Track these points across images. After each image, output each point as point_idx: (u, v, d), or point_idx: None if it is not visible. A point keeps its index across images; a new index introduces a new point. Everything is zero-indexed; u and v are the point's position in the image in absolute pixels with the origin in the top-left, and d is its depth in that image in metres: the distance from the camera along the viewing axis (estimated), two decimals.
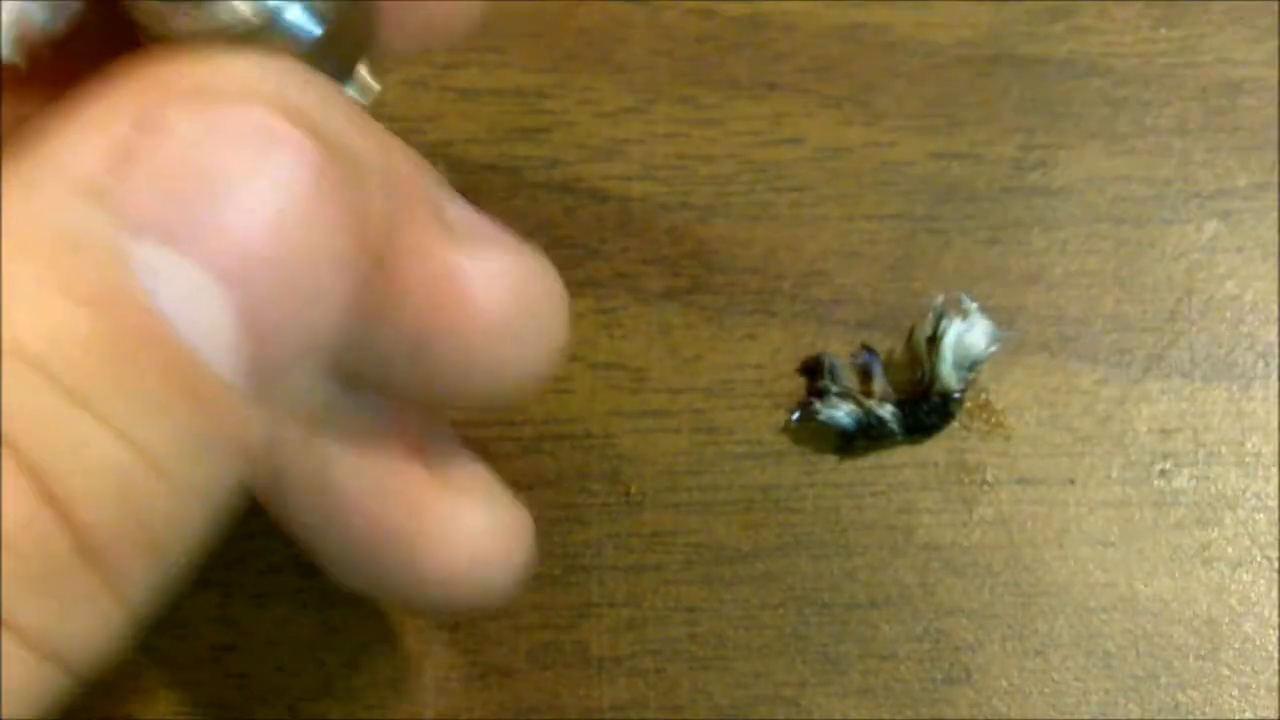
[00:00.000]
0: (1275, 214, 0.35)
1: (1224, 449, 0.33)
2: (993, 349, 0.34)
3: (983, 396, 0.34)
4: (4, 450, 0.15)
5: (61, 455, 0.16)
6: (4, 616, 0.15)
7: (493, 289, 0.22)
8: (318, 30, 0.19)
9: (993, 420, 0.34)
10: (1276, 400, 0.34)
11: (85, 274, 0.16)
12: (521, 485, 0.33)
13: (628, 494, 0.34)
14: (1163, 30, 0.37)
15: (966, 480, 0.34)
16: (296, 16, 0.19)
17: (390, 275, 0.20)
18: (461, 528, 0.24)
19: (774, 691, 0.32)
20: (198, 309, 0.16)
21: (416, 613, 0.32)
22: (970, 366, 0.34)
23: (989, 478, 0.33)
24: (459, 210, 0.22)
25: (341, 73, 0.20)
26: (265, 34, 0.18)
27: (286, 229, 0.17)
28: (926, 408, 0.34)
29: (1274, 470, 0.33)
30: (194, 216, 0.16)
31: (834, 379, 0.34)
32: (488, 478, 0.26)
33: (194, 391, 0.17)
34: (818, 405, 0.33)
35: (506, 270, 0.22)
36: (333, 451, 0.23)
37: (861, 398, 0.34)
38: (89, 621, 0.16)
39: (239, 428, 0.17)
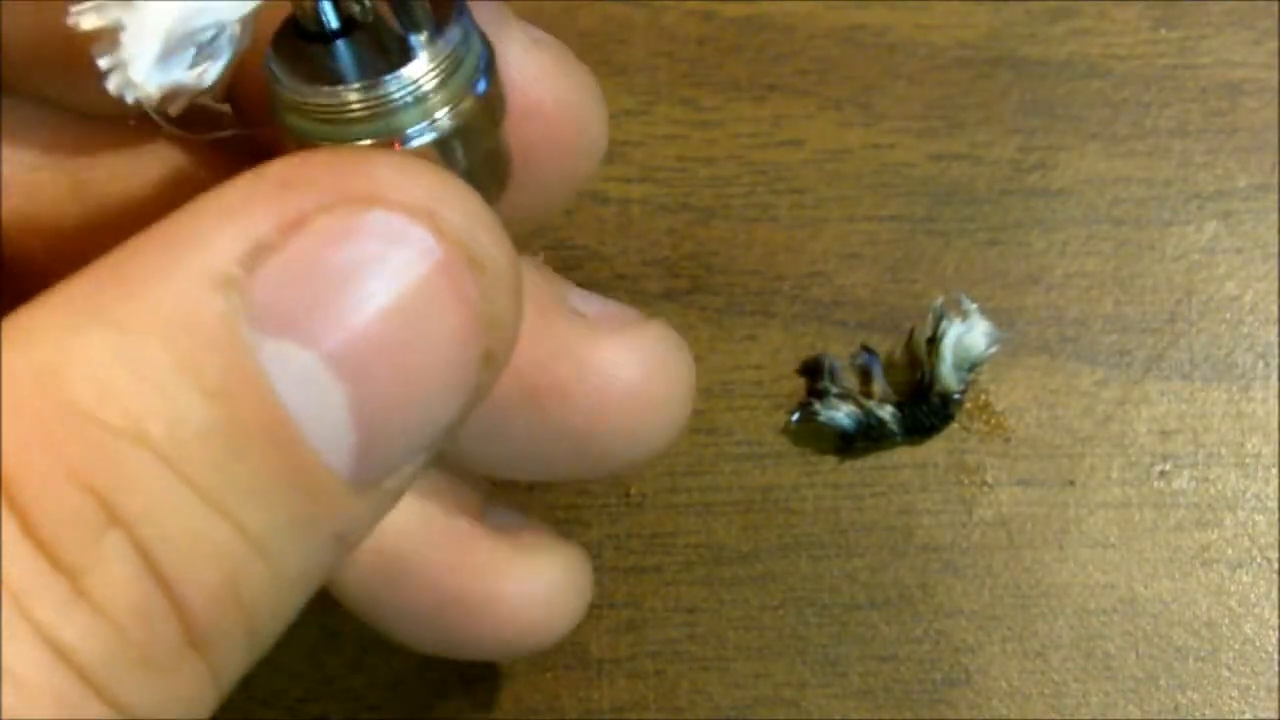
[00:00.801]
0: (1275, 215, 0.35)
1: (1224, 450, 0.34)
2: (992, 350, 0.34)
3: (982, 398, 0.34)
4: (120, 533, 0.15)
5: (176, 541, 0.16)
6: (112, 697, 0.16)
7: (638, 367, 0.23)
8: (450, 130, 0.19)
9: (992, 421, 0.34)
10: (1276, 401, 0.34)
11: (212, 364, 0.16)
12: (522, 485, 0.33)
13: (627, 495, 0.34)
14: (1162, 32, 0.37)
15: (966, 481, 0.34)
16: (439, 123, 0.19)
17: (539, 373, 0.22)
18: (537, 587, 0.26)
19: (774, 692, 0.32)
20: (313, 400, 0.17)
21: (480, 660, 0.31)
22: (970, 368, 0.34)
23: (989, 479, 0.33)
24: (583, 299, 0.24)
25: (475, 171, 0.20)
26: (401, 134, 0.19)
27: (403, 321, 0.17)
28: (926, 409, 0.34)
29: (1274, 471, 0.33)
30: (316, 307, 0.17)
31: (834, 380, 0.34)
32: (545, 531, 0.27)
33: (304, 481, 0.17)
34: (817, 406, 0.34)
35: (647, 346, 0.24)
36: (406, 523, 0.24)
37: (861, 399, 0.34)
38: (187, 701, 0.17)
39: (343, 518, 0.18)
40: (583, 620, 0.31)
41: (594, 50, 0.36)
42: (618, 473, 0.26)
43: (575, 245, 0.35)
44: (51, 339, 0.16)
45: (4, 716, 0.15)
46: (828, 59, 0.36)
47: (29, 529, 0.15)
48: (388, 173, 0.17)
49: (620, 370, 0.23)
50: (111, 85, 0.18)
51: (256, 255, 0.16)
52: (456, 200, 0.18)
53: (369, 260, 0.17)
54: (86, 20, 0.18)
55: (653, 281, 0.35)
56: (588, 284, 0.35)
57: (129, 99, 0.18)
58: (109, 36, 0.18)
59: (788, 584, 0.33)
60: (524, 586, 0.25)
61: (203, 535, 0.16)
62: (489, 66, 0.20)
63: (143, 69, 0.18)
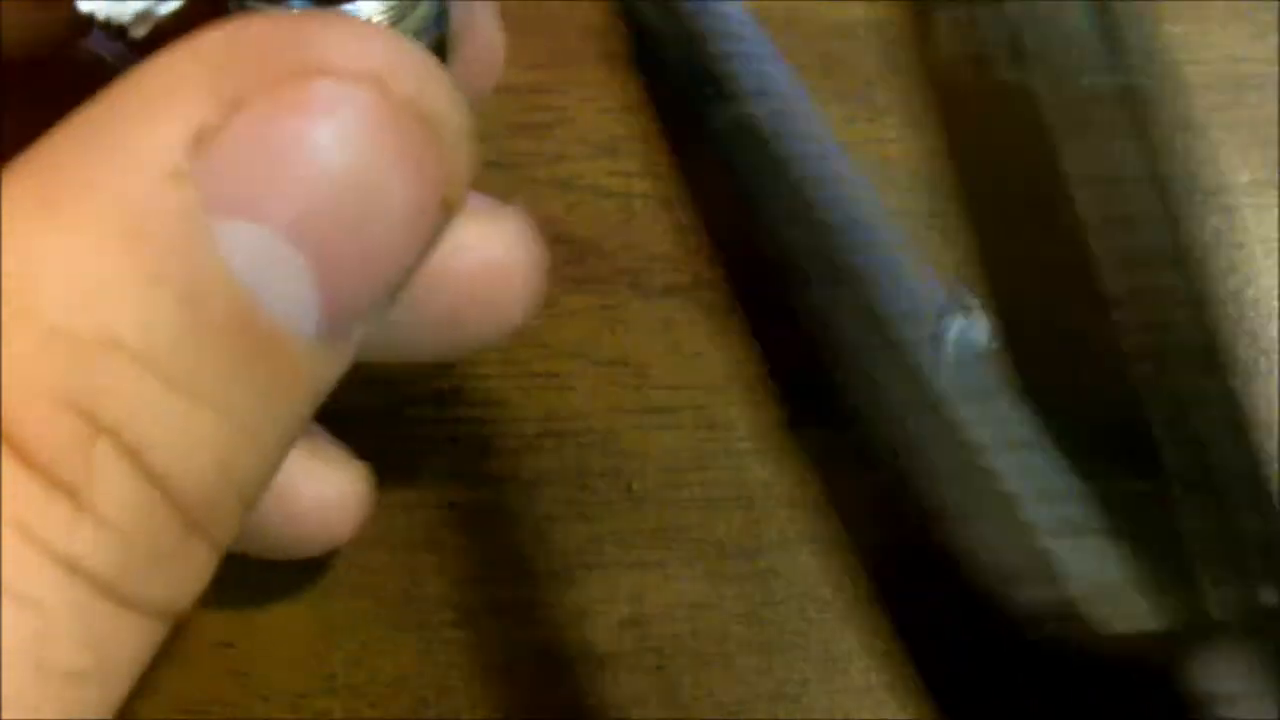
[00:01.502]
0: (1277, 210, 0.35)
1: None
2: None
3: None
4: (108, 441, 0.16)
5: (164, 438, 0.16)
6: (127, 598, 0.16)
7: (499, 244, 0.26)
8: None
9: None
10: (1278, 397, 0.34)
11: (174, 261, 0.16)
12: (522, 481, 0.33)
13: (629, 490, 0.34)
14: (1165, 26, 0.36)
15: None
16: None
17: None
18: (326, 491, 0.29)
19: (776, 689, 0.32)
20: (276, 275, 0.17)
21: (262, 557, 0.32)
22: None
23: None
24: None
25: None
26: None
27: (356, 185, 0.17)
28: None
29: (1276, 468, 0.33)
30: (267, 184, 0.17)
31: None
32: (337, 445, 0.30)
33: (276, 355, 0.17)
34: None
35: (505, 227, 0.26)
36: None
37: None
38: (193, 579, 0.17)
39: (314, 379, 0.18)
40: (586, 617, 0.31)
41: (596, 44, 0.36)
42: (477, 349, 0.29)
43: (576, 240, 0.35)
44: (12, 253, 0.16)
45: (32, 642, 0.15)
46: (830, 54, 0.36)
47: (22, 455, 0.15)
48: (330, 39, 0.17)
49: (484, 247, 0.25)
50: (83, 4, 0.18)
51: (202, 139, 0.16)
52: (404, 61, 0.18)
53: (317, 130, 0.17)
54: None
55: (655, 276, 0.35)
56: (589, 278, 0.35)
57: (100, 16, 0.18)
58: None
59: (790, 580, 0.33)
60: (315, 489, 0.28)
61: (188, 428, 0.16)
62: (442, 15, 0.20)
63: None
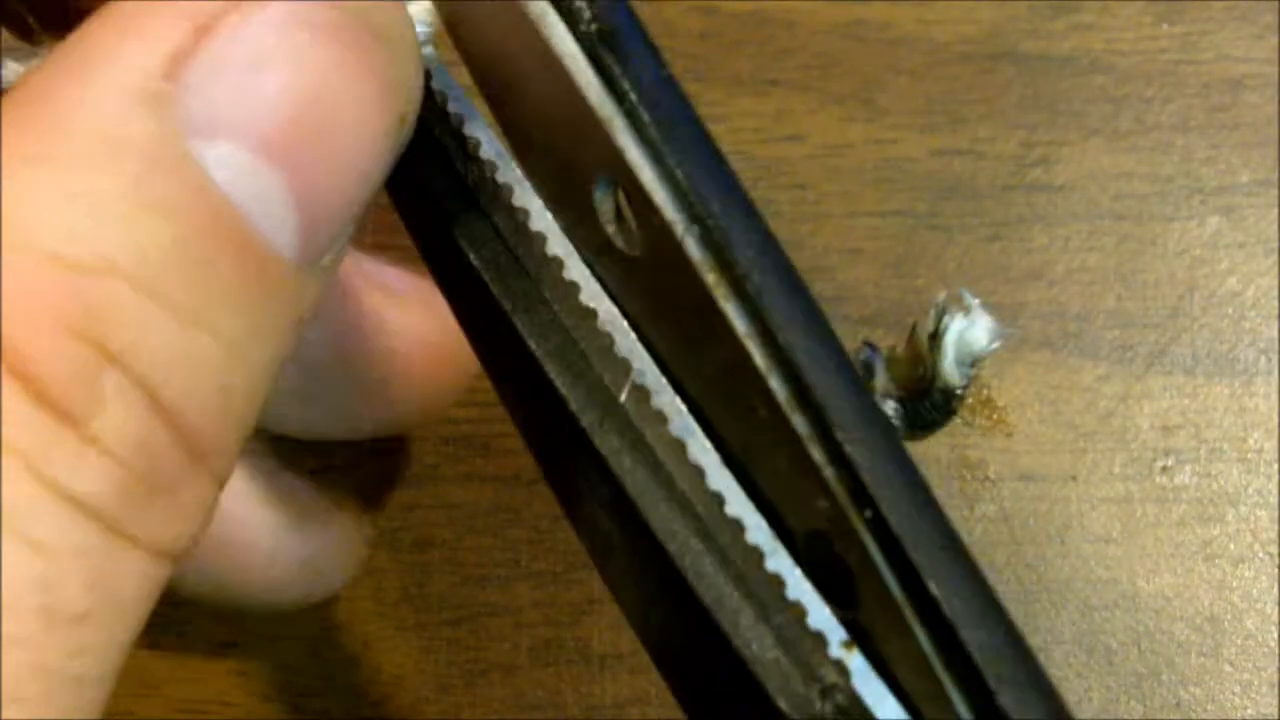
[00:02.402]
0: (1277, 210, 0.35)
1: (1226, 445, 0.33)
2: (995, 346, 0.34)
3: (985, 393, 0.34)
4: (118, 370, 0.16)
5: (167, 364, 0.16)
6: (128, 533, 0.16)
7: (437, 329, 0.26)
8: None
9: (995, 417, 0.34)
10: (1278, 396, 0.34)
11: (160, 183, 0.16)
12: (523, 481, 0.33)
13: None
14: (1164, 27, 0.37)
15: (968, 476, 0.34)
16: None
17: (352, 338, 0.25)
18: (307, 550, 0.28)
19: None
20: (256, 192, 0.17)
21: (247, 613, 0.32)
22: (972, 363, 0.33)
23: (991, 474, 0.33)
24: (394, 275, 0.27)
25: None
26: None
27: (320, 98, 0.17)
28: (928, 404, 0.34)
29: (1276, 467, 0.33)
30: (239, 103, 0.17)
31: None
32: (327, 503, 0.29)
33: (264, 274, 0.17)
34: None
35: (443, 313, 0.26)
36: None
37: None
38: (196, 515, 0.17)
39: (299, 301, 0.18)
40: (585, 616, 0.31)
41: None
42: (412, 426, 0.30)
43: None
44: (4, 186, 0.16)
45: (36, 585, 0.15)
46: (830, 54, 0.36)
47: (29, 387, 0.15)
48: None
49: (421, 331, 0.26)
50: None
51: (175, 63, 0.17)
52: None
53: (280, 47, 0.17)
54: None
55: None
56: None
57: None
58: None
59: None
60: (294, 548, 0.27)
61: (189, 352, 0.16)
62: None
63: None
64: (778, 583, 0.17)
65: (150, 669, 0.32)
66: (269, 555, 0.27)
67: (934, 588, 0.16)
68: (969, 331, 0.34)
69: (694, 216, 0.17)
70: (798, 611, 0.17)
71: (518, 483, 0.34)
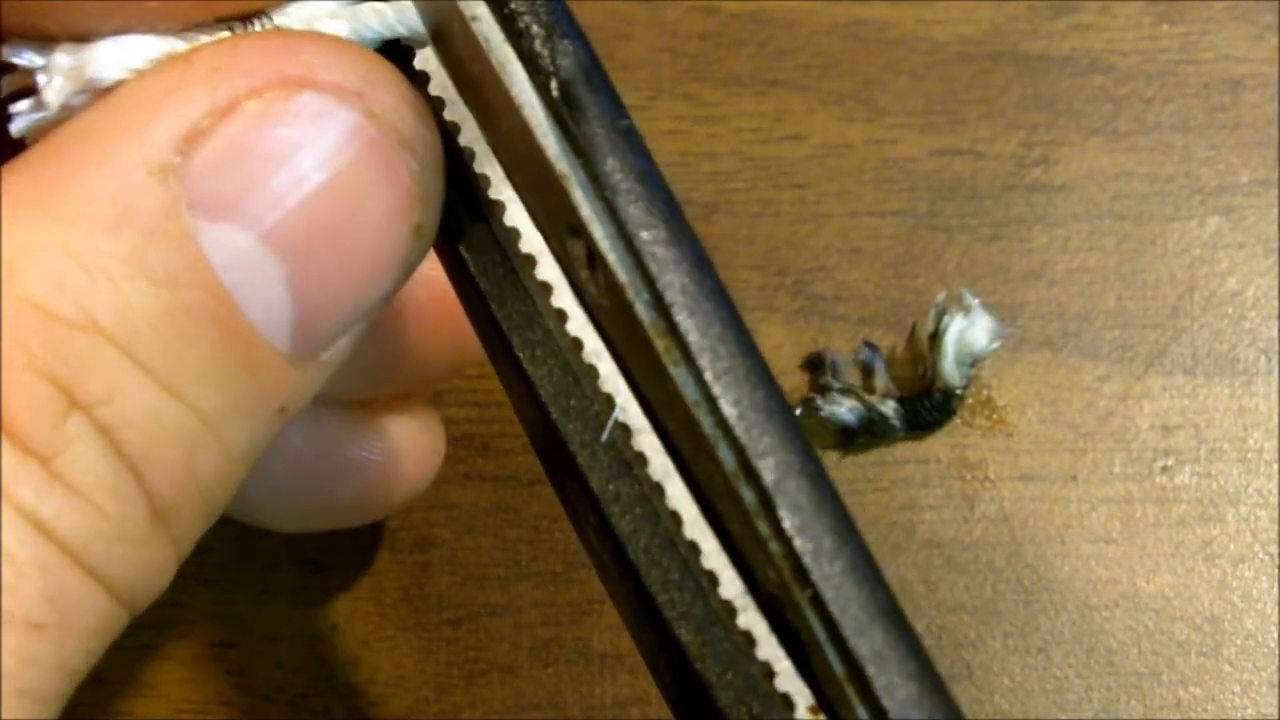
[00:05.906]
0: (1277, 210, 0.35)
1: (1226, 445, 0.33)
2: (994, 345, 0.34)
3: (984, 393, 0.34)
4: (81, 416, 0.16)
5: (136, 422, 0.17)
6: (90, 567, 0.17)
7: (410, 445, 0.29)
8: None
9: (994, 417, 0.34)
10: (1278, 396, 0.34)
11: (157, 252, 0.17)
12: (523, 481, 0.33)
13: None
14: (1164, 27, 0.37)
15: (968, 476, 0.34)
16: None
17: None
18: (393, 446, 0.30)
19: None
20: (254, 279, 0.17)
21: (349, 525, 0.33)
22: (972, 363, 0.34)
23: (991, 474, 0.33)
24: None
25: None
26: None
27: (337, 199, 0.18)
28: (928, 404, 0.34)
29: (1275, 466, 0.33)
30: (252, 189, 0.17)
31: (836, 375, 0.34)
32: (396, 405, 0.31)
33: (249, 360, 0.18)
34: (820, 401, 0.33)
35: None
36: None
37: (863, 394, 0.34)
38: (155, 571, 0.18)
39: (285, 392, 0.18)
40: (585, 616, 0.31)
41: (597, 45, 0.36)
42: (437, 379, 0.32)
43: None
44: (6, 238, 0.17)
45: None
46: (830, 54, 0.36)
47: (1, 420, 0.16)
48: (318, 54, 0.18)
49: (445, 282, 0.26)
50: None
51: (191, 141, 0.17)
52: (386, 82, 0.18)
53: (302, 140, 0.17)
54: None
55: None
56: None
57: None
58: None
59: None
60: (379, 448, 0.29)
61: (160, 417, 0.17)
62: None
63: None
64: (749, 640, 0.17)
65: (150, 669, 0.32)
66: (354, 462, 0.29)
67: (872, 673, 0.16)
68: (969, 331, 0.34)
69: (646, 279, 0.17)
70: (766, 670, 0.17)
71: (518, 483, 0.33)
